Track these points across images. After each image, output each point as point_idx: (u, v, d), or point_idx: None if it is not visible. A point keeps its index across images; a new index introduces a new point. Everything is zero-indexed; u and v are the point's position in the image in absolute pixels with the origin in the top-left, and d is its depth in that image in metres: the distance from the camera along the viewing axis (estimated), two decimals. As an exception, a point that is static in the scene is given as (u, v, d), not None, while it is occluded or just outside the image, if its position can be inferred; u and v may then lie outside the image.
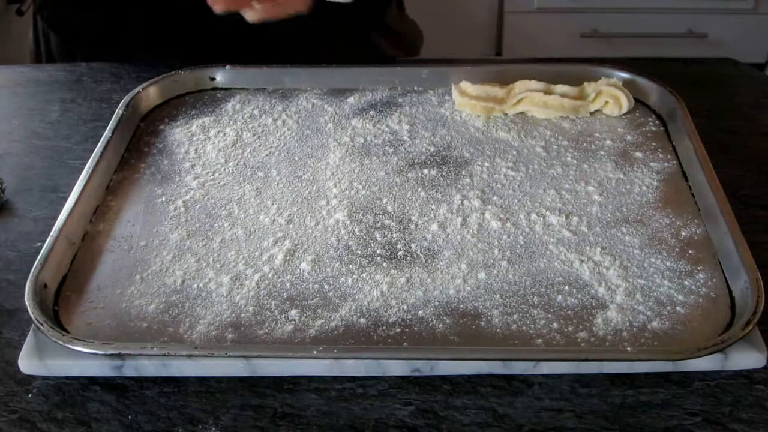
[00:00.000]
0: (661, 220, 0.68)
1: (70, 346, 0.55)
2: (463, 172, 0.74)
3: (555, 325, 0.58)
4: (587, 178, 0.73)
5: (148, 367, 0.56)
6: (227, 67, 0.87)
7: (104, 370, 0.57)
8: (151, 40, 0.98)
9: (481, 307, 0.60)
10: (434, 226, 0.67)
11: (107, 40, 1.00)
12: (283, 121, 0.82)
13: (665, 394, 0.56)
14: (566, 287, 0.61)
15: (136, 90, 0.84)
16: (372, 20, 1.01)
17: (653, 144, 0.78)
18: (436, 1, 2.08)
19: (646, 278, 0.62)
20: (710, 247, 0.65)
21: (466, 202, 0.70)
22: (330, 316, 0.59)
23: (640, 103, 0.83)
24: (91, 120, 0.87)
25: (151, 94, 0.85)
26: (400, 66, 0.86)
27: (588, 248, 0.65)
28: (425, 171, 0.74)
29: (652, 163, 0.75)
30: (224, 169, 0.75)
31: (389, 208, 0.70)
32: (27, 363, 0.57)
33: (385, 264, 0.64)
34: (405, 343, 0.57)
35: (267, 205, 0.71)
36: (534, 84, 0.82)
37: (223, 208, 0.70)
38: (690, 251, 0.64)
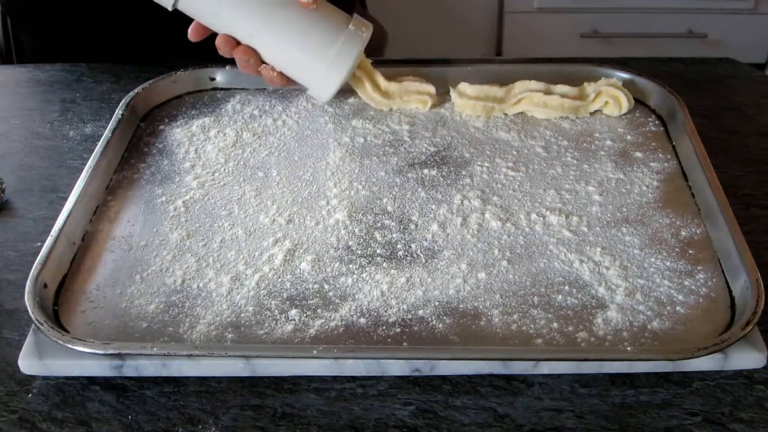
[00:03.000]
0: (661, 220, 0.68)
1: (70, 346, 0.55)
2: (463, 172, 0.74)
3: (555, 325, 0.58)
4: (587, 178, 0.73)
5: (148, 367, 0.56)
6: (227, 67, 0.87)
7: (104, 370, 0.57)
8: (146, 41, 0.98)
9: (481, 307, 0.60)
10: (434, 226, 0.67)
11: (91, 42, 0.99)
12: (283, 121, 0.82)
13: (665, 394, 0.56)
14: (566, 287, 0.61)
15: (136, 90, 0.84)
16: None
17: (653, 144, 0.78)
18: (436, 1, 2.08)
19: (646, 278, 0.62)
20: (710, 247, 0.65)
21: (466, 202, 0.70)
22: (330, 316, 0.59)
23: (640, 103, 0.83)
24: (91, 120, 0.87)
25: (151, 94, 0.85)
26: (399, 66, 0.86)
27: (588, 248, 0.65)
28: (425, 171, 0.74)
29: (652, 163, 0.75)
30: (224, 169, 0.75)
31: (389, 208, 0.70)
32: (27, 363, 0.57)
33: (385, 264, 0.64)
34: (405, 343, 0.57)
35: (267, 205, 0.71)
36: (534, 84, 0.82)
37: (223, 208, 0.70)
38: (690, 251, 0.64)
